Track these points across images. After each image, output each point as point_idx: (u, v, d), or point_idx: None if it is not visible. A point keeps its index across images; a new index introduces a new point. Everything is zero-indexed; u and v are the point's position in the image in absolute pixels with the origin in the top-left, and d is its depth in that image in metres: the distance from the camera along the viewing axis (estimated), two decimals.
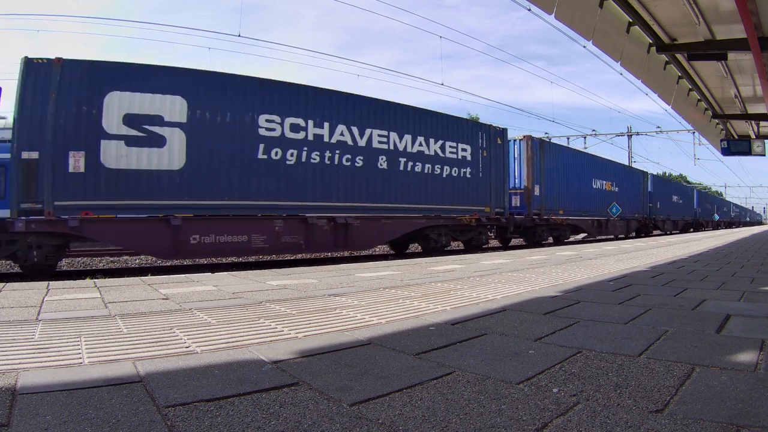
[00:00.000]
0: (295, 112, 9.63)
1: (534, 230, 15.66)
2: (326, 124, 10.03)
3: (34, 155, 7.56)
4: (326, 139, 10.03)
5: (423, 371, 1.67)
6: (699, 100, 12.75)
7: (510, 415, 1.29)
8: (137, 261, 11.64)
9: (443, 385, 1.54)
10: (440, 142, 12.17)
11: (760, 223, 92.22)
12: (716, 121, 15.28)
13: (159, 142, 8.26)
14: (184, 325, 2.41)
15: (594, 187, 19.15)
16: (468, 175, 12.85)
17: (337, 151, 10.19)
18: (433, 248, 12.11)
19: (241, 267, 10.22)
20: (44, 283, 4.05)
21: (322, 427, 1.22)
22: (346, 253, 12.06)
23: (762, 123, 15.23)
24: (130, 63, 8.26)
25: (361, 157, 10.58)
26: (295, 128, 9.61)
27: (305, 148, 9.73)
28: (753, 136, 16.51)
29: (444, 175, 12.26)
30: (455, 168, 12.55)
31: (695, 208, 36.18)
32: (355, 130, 10.48)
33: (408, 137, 11.46)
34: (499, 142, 13.77)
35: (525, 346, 2.00)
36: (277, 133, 9.40)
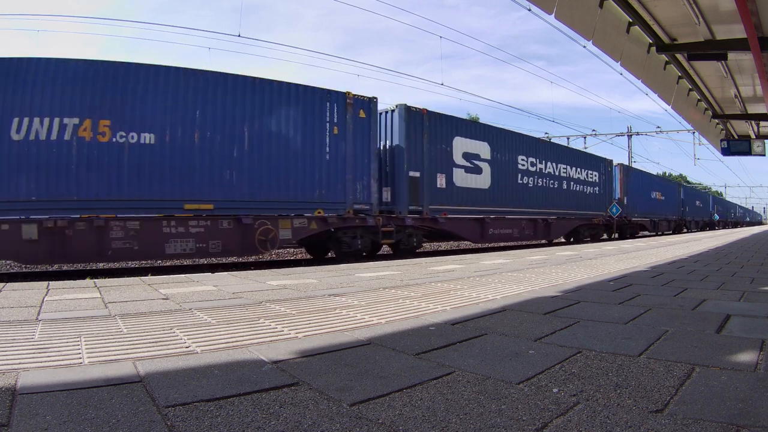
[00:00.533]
0: (529, 153, 16.03)
1: (623, 228, 22.35)
2: (545, 162, 16.80)
3: (417, 174, 11.88)
4: (544, 170, 16.70)
5: (423, 371, 1.68)
6: (699, 100, 12.75)
7: (510, 415, 1.29)
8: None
9: (443, 385, 1.54)
10: (585, 171, 19.30)
11: (760, 223, 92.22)
12: (716, 121, 15.28)
13: (479, 171, 13.79)
14: (184, 325, 2.41)
15: (652, 197, 25.78)
16: (597, 191, 20.00)
17: (547, 179, 16.88)
18: (582, 239, 19.13)
19: (241, 267, 10.22)
20: (44, 283, 4.05)
21: (322, 427, 1.22)
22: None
23: (762, 123, 15.23)
24: (465, 119, 15.06)
25: (553, 182, 17.15)
26: (532, 164, 16.10)
27: (535, 176, 16.22)
28: (753, 136, 16.51)
29: (586, 192, 19.24)
30: (589, 187, 19.45)
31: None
32: (551, 164, 17.13)
33: (569, 168, 18.16)
34: (609, 169, 21.17)
35: (525, 346, 2.00)
36: (523, 167, 15.66)
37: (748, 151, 14.92)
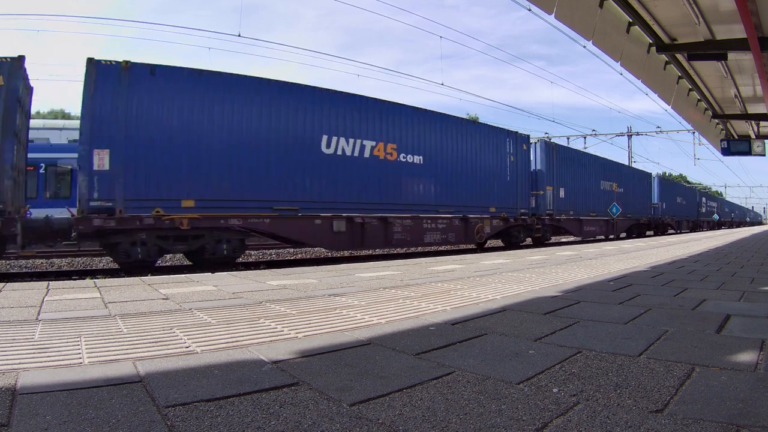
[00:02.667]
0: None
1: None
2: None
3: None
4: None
5: (423, 371, 1.67)
6: (699, 100, 12.75)
7: (510, 415, 1.29)
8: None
9: (443, 385, 1.54)
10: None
11: (760, 223, 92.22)
12: (716, 121, 15.28)
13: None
14: (184, 325, 2.41)
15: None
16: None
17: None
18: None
19: (241, 267, 10.22)
20: (44, 283, 4.05)
21: (322, 427, 1.22)
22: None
23: (762, 123, 15.23)
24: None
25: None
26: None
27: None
28: (753, 136, 16.51)
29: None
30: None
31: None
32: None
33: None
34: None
35: (525, 346, 2.00)
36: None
37: (748, 151, 14.93)
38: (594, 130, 33.88)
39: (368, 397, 1.42)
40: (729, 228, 37.35)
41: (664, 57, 9.53)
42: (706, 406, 1.33)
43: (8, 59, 7.66)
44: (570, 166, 18.10)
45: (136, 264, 8.16)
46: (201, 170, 8.55)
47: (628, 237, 22.86)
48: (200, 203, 8.57)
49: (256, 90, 9.32)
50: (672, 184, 32.74)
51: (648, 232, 26.02)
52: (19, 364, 1.71)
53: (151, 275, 5.81)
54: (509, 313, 2.74)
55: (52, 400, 1.37)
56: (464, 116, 16.69)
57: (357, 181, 10.76)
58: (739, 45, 7.88)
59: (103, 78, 7.72)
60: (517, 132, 15.45)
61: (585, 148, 31.08)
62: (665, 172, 52.88)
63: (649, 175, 27.43)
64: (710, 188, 68.49)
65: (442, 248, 15.00)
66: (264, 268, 7.84)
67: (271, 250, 15.31)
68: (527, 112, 70.39)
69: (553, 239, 19.67)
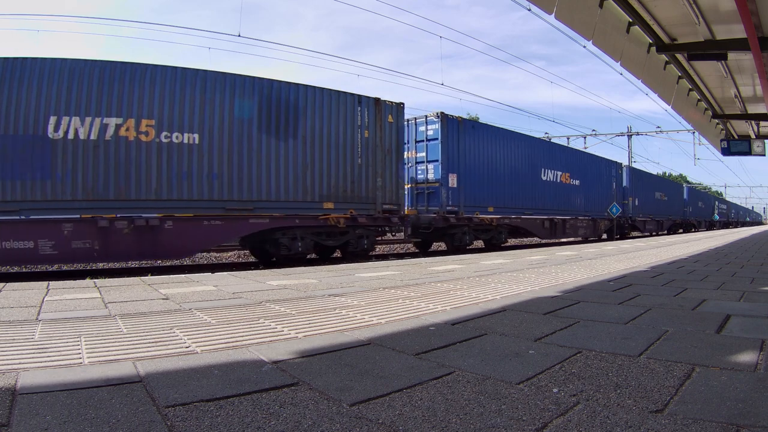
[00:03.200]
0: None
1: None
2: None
3: None
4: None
5: (423, 371, 1.67)
6: (699, 100, 12.75)
7: (510, 415, 1.29)
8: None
9: (443, 385, 1.54)
10: None
11: (760, 223, 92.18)
12: (716, 121, 15.28)
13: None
14: (184, 325, 2.41)
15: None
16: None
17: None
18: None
19: (241, 267, 10.22)
20: (44, 283, 4.05)
21: (322, 427, 1.22)
22: None
23: (762, 123, 15.23)
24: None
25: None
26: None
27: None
28: (753, 136, 16.51)
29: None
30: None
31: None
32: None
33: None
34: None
35: (525, 346, 2.00)
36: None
37: (748, 151, 14.93)
38: (594, 130, 33.93)
39: (368, 397, 1.42)
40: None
41: (664, 57, 9.53)
42: (706, 406, 1.33)
43: (394, 103, 11.30)
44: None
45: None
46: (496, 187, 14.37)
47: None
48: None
49: (520, 139, 15.63)
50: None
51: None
52: (19, 364, 1.71)
53: (152, 275, 5.81)
54: (509, 313, 2.74)
55: (52, 400, 1.37)
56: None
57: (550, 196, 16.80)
58: (739, 45, 7.88)
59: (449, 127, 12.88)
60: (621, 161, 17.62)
61: (585, 148, 31.07)
62: (665, 172, 52.93)
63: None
64: (710, 188, 68.49)
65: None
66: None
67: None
68: (527, 112, 70.25)
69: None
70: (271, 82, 9.51)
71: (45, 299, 3.17)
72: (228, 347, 1.98)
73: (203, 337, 2.14)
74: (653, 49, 8.92)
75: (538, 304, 3.01)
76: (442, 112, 12.86)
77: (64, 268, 9.81)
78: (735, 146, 15.33)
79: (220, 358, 1.81)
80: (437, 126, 12.79)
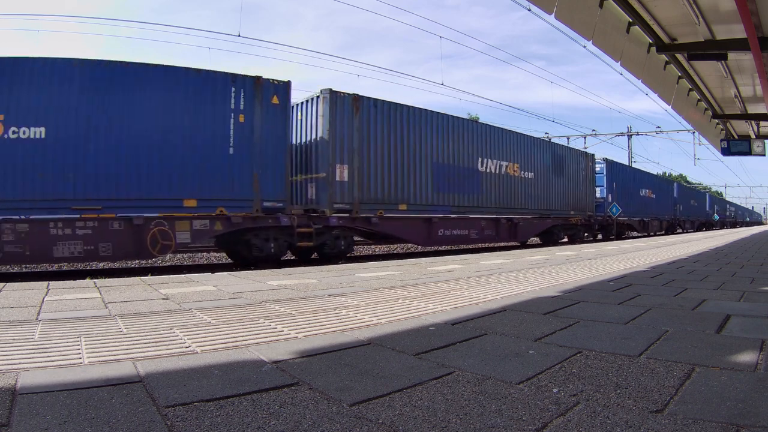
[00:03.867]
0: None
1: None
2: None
3: None
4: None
5: (423, 371, 1.67)
6: (699, 100, 12.75)
7: (510, 415, 1.29)
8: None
9: (443, 385, 1.54)
10: None
11: (760, 223, 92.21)
12: (716, 121, 15.28)
13: None
14: (184, 325, 2.41)
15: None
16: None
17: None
18: None
19: (241, 267, 10.21)
20: (44, 283, 4.05)
21: (322, 427, 1.22)
22: None
23: (762, 123, 15.23)
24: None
25: None
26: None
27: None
28: (753, 136, 16.51)
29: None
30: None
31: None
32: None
33: None
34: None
35: (525, 346, 2.00)
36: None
37: (748, 151, 14.93)
38: (594, 130, 33.93)
39: (368, 397, 1.42)
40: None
41: (664, 57, 9.53)
42: (706, 406, 1.33)
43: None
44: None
45: None
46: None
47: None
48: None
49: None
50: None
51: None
52: (19, 364, 1.71)
53: (152, 275, 5.81)
54: (509, 313, 2.74)
55: (52, 400, 1.37)
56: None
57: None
58: (739, 45, 7.88)
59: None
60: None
61: (585, 148, 31.03)
62: (665, 172, 52.91)
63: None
64: (710, 188, 68.48)
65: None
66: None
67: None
68: (527, 112, 70.23)
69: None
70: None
71: (45, 299, 3.17)
72: (228, 347, 1.98)
73: (203, 337, 2.14)
74: (653, 49, 8.92)
75: (538, 304, 3.01)
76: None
77: (65, 267, 9.81)
78: (735, 146, 15.33)
79: (220, 358, 1.81)
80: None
